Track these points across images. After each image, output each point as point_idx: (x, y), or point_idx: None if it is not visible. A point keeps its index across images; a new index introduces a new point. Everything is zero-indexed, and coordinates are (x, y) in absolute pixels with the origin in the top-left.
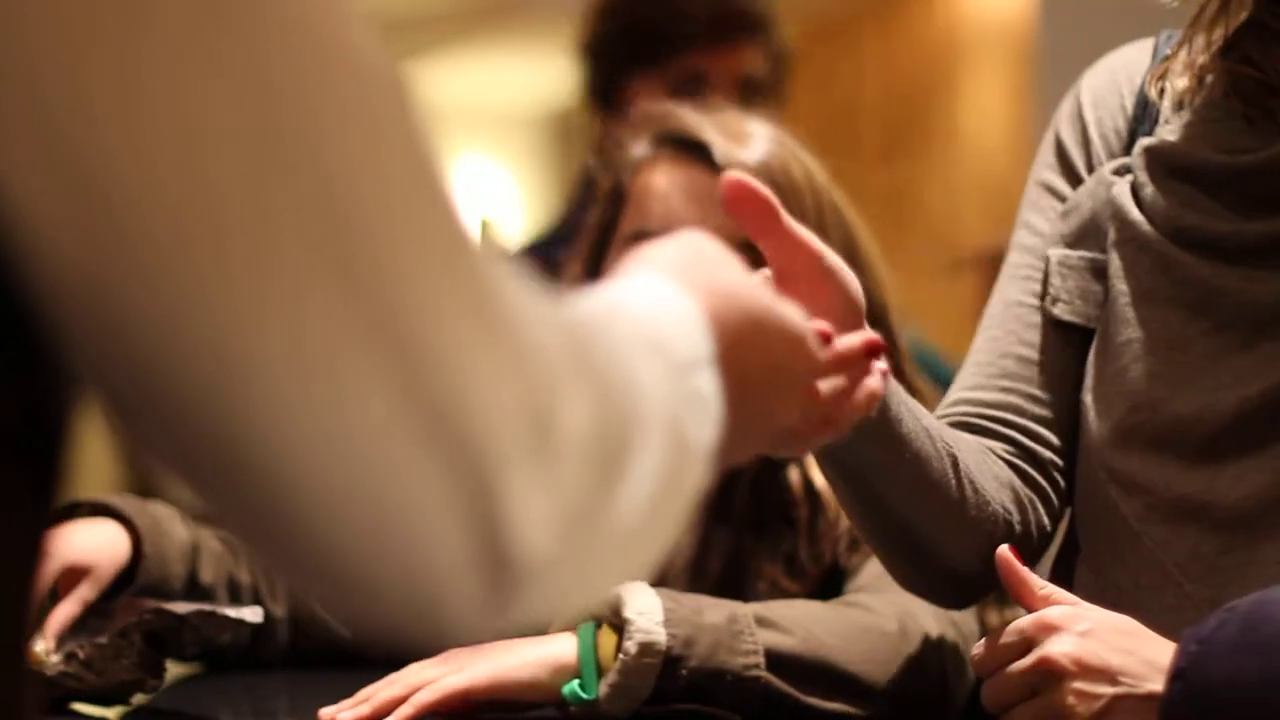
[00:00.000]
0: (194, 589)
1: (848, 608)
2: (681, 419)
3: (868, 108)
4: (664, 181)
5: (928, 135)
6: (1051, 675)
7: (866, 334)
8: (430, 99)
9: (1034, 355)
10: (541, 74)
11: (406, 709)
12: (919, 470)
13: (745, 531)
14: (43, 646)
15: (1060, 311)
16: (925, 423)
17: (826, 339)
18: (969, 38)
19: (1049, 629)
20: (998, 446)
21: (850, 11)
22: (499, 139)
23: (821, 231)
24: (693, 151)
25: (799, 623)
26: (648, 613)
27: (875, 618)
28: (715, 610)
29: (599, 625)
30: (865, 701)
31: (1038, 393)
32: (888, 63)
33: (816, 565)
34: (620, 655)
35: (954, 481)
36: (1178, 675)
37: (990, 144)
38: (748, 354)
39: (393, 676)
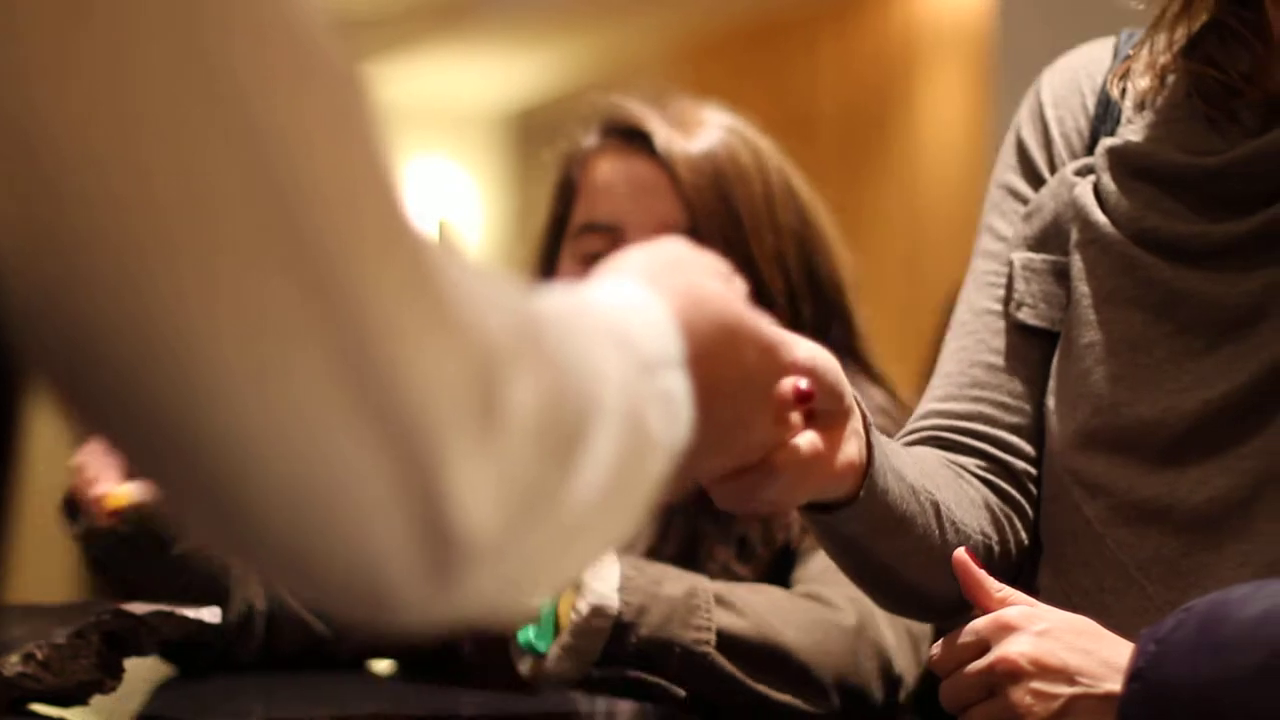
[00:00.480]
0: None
1: (809, 600)
2: (643, 411)
3: (824, 113)
4: (609, 172)
5: (885, 140)
6: (1008, 675)
7: (796, 381)
8: (389, 99)
9: (1002, 363)
10: (501, 74)
11: None
12: (906, 530)
13: (700, 514)
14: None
15: (1025, 316)
16: (909, 479)
17: (806, 398)
18: (927, 39)
19: (1006, 629)
20: (970, 462)
21: (805, 13)
22: (458, 139)
23: (771, 215)
24: (636, 141)
25: (757, 608)
26: (605, 577)
27: (834, 612)
28: (676, 583)
29: None
30: (814, 693)
31: (1008, 400)
32: (845, 67)
33: (767, 548)
34: (572, 615)
35: (937, 530)
36: (1135, 675)
37: (951, 148)
38: (719, 361)
39: None
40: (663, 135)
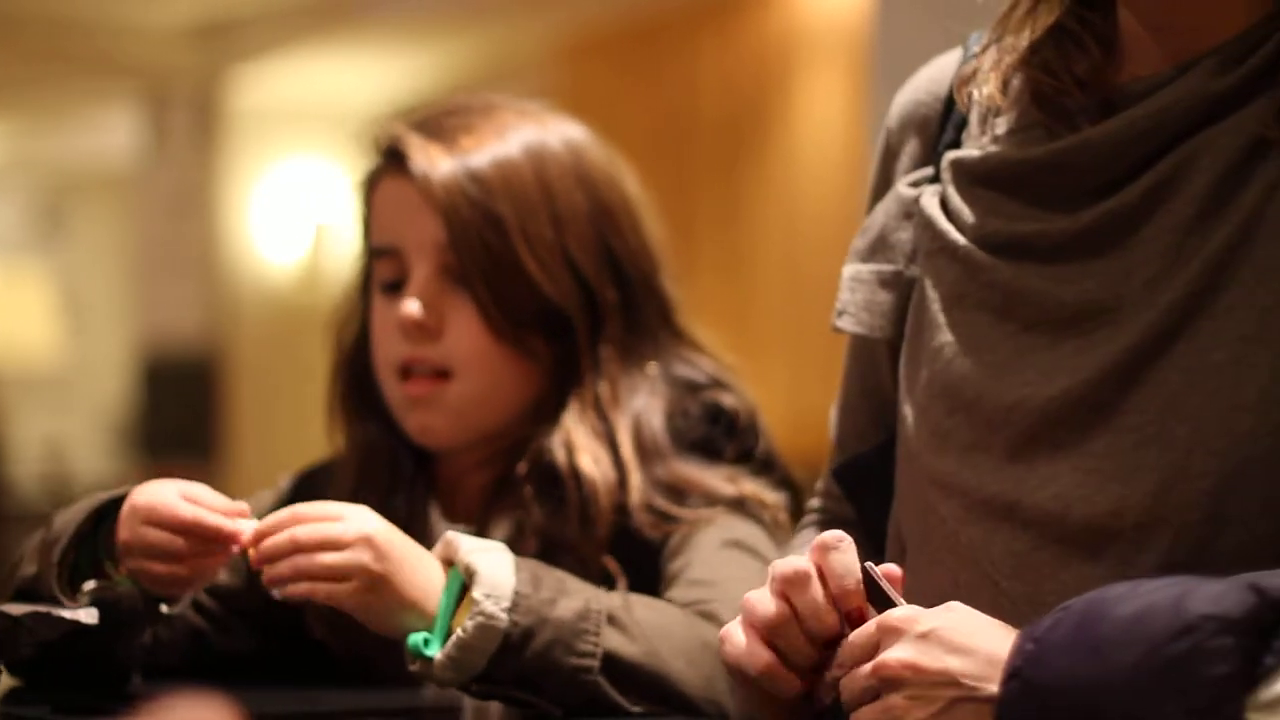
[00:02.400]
0: None
1: (704, 621)
2: None
3: (703, 113)
4: (384, 197)
5: (764, 139)
6: (888, 682)
7: None
8: (266, 101)
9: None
10: (380, 75)
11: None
12: None
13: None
14: None
15: (845, 324)
16: None
17: None
18: (806, 39)
19: (891, 633)
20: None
21: (685, 13)
22: (336, 141)
23: (551, 210)
24: (403, 162)
25: (648, 630)
26: (495, 595)
27: None
28: (571, 600)
29: (466, 584)
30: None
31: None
32: (724, 66)
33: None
34: (460, 631)
35: None
36: (1013, 674)
37: (829, 147)
38: None
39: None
40: (418, 155)
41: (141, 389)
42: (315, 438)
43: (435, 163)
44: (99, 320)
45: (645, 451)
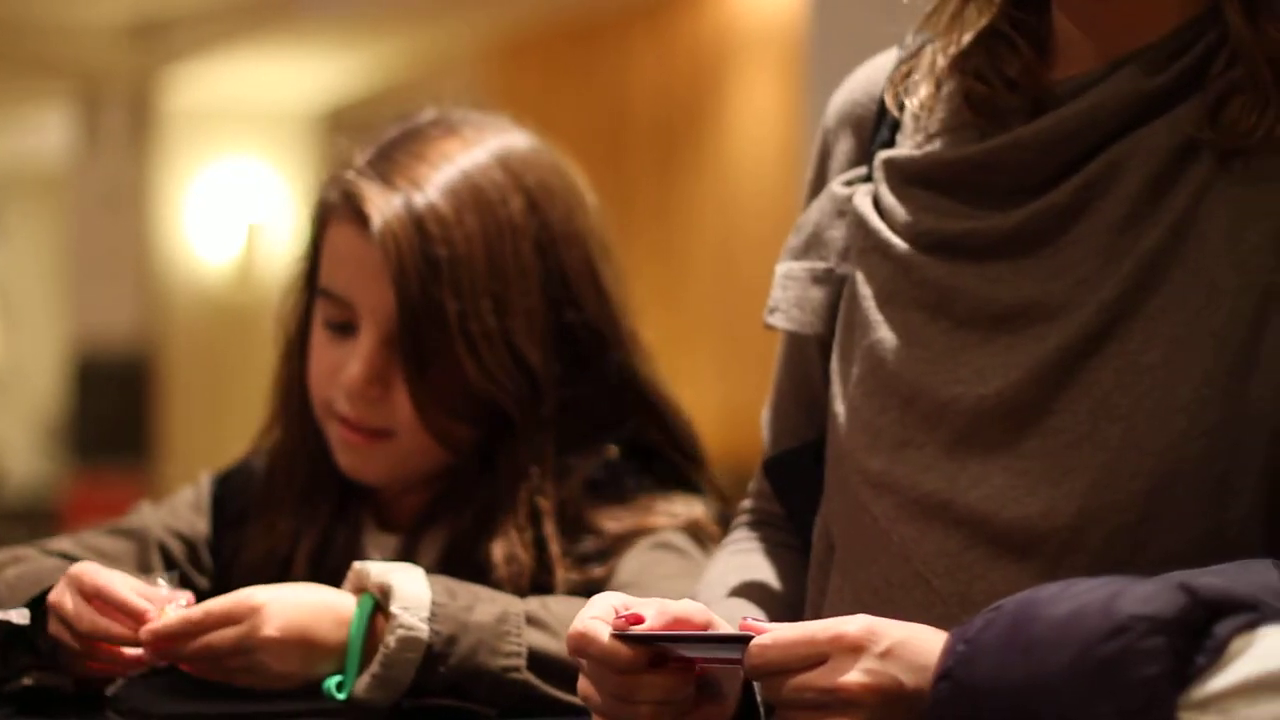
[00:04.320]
0: None
1: None
2: None
3: (637, 113)
4: (343, 244)
5: (699, 139)
6: (845, 704)
7: None
8: (199, 101)
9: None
10: (311, 74)
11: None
12: None
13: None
14: None
15: (776, 321)
16: None
17: None
18: (739, 39)
19: (850, 650)
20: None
21: (618, 14)
22: (269, 140)
23: (506, 316)
24: (360, 212)
25: (569, 624)
26: (414, 607)
27: None
28: (487, 607)
29: (377, 607)
30: None
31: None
32: (658, 67)
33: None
34: (382, 647)
35: None
36: (944, 675)
37: (763, 146)
38: None
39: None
40: (376, 215)
41: (74, 388)
42: (249, 436)
43: (396, 231)
44: (32, 320)
45: (569, 524)
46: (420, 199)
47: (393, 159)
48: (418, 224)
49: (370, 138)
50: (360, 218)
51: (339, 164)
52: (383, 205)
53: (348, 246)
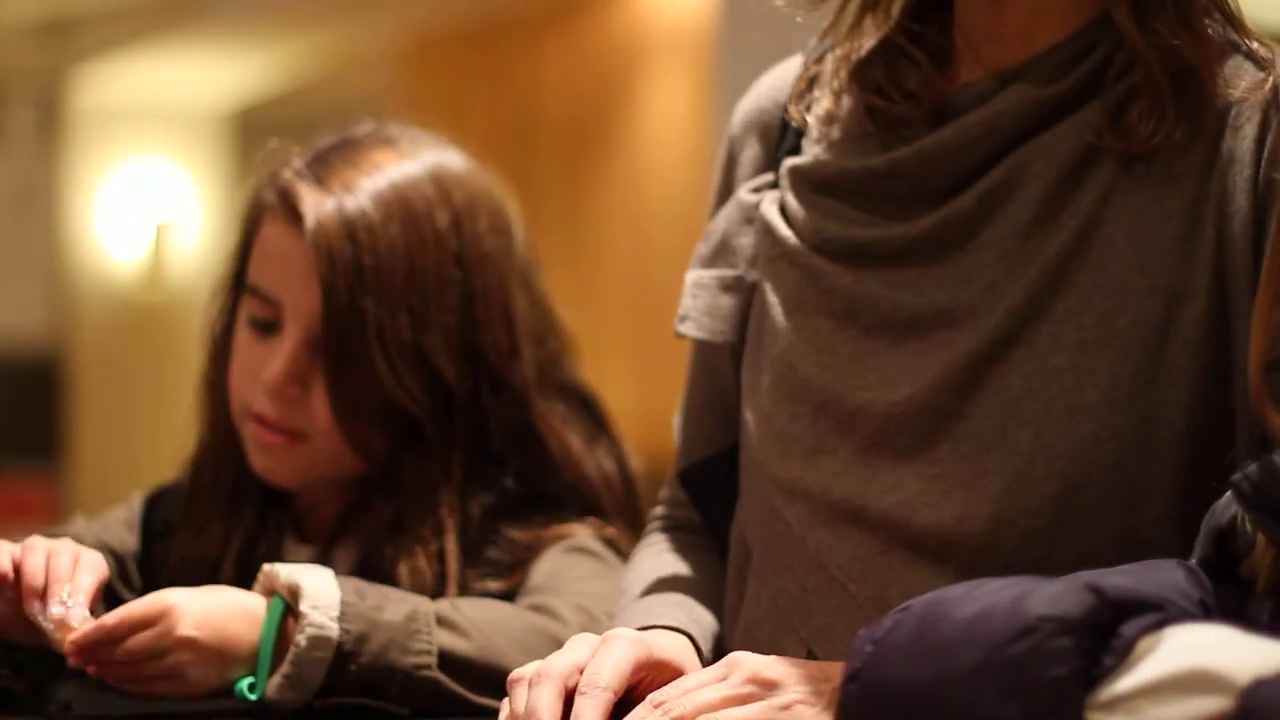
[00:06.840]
0: None
1: (535, 613)
2: None
3: (547, 114)
4: (274, 242)
5: (609, 141)
6: None
7: None
8: (109, 99)
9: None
10: (219, 74)
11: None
12: None
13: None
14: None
15: (687, 329)
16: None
17: None
18: (650, 40)
19: (767, 684)
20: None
21: (528, 14)
22: (177, 140)
23: (421, 328)
24: (294, 212)
25: (480, 626)
26: (323, 606)
27: (560, 626)
28: (397, 606)
29: (288, 609)
30: None
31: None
32: (568, 67)
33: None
34: (293, 647)
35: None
36: (852, 676)
37: (674, 148)
38: None
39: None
40: (310, 215)
41: None
42: (159, 437)
43: (328, 232)
44: None
45: (478, 534)
46: (352, 203)
47: (329, 163)
48: (348, 228)
49: (308, 143)
50: (294, 216)
51: (274, 164)
52: (316, 206)
53: (278, 244)
